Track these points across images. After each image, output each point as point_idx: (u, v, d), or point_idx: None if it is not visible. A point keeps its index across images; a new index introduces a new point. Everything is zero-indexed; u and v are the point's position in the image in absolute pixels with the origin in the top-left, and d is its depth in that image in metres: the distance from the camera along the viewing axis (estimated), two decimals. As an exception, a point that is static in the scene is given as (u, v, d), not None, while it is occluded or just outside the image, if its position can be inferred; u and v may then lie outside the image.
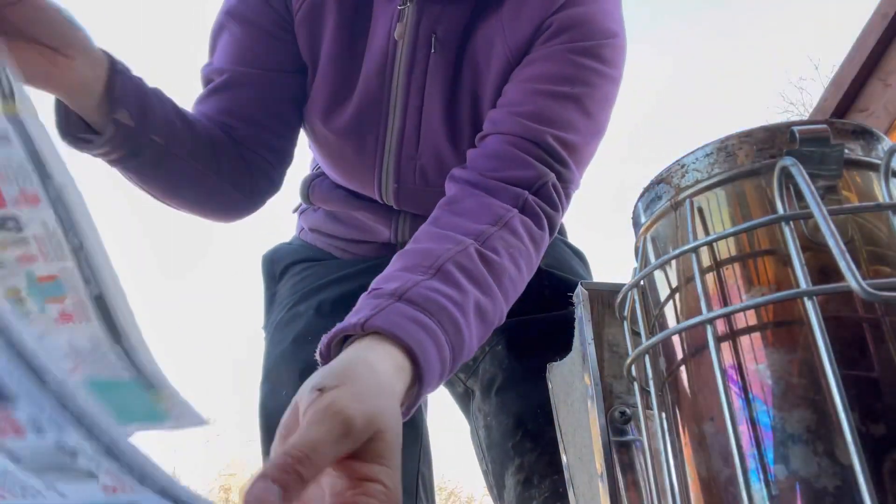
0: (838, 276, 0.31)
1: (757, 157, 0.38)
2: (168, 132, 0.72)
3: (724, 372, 0.35)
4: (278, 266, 1.04)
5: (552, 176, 0.72)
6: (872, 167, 0.38)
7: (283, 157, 0.91)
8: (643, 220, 0.45)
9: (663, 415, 0.41)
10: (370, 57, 0.84)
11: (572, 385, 0.58)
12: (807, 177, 0.34)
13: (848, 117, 0.95)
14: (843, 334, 0.33)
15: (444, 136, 0.85)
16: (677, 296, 0.40)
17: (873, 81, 0.94)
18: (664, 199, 0.42)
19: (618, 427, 0.53)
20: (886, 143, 0.39)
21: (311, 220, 1.04)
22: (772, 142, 0.38)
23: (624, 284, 0.46)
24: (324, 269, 1.00)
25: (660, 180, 0.43)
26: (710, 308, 0.36)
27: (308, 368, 0.88)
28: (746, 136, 0.39)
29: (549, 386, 0.61)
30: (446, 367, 0.54)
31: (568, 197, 0.75)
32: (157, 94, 0.73)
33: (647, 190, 0.44)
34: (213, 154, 0.80)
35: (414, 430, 0.93)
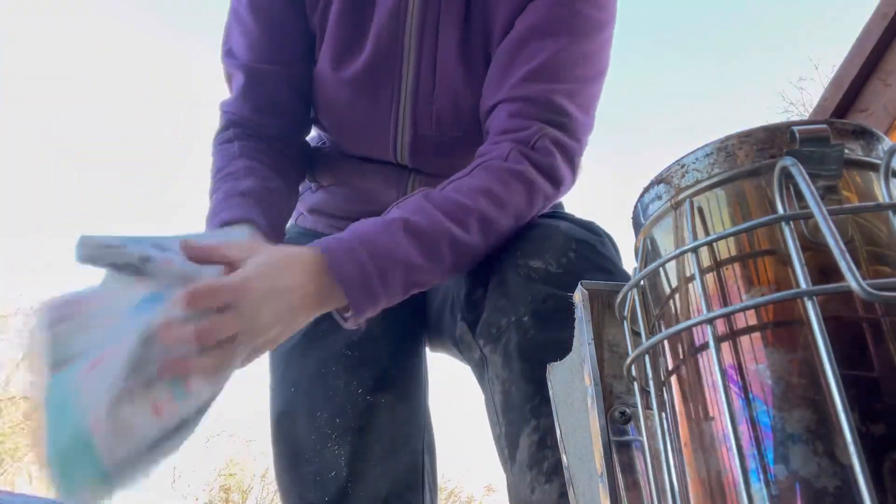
0: (838, 276, 0.31)
1: (757, 157, 0.38)
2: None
3: (724, 372, 0.35)
4: None
5: (549, 129, 0.77)
6: (873, 167, 0.38)
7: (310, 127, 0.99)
8: (643, 220, 0.45)
9: (663, 415, 0.40)
10: (382, 2, 0.85)
11: (572, 385, 0.58)
12: (806, 177, 0.34)
13: (848, 117, 0.95)
14: (843, 334, 0.33)
15: (459, 77, 0.87)
16: (677, 296, 0.40)
17: (873, 81, 0.94)
18: (664, 198, 0.42)
19: (618, 427, 0.53)
20: (886, 143, 0.39)
21: (310, 201, 1.03)
22: (772, 142, 0.38)
23: (624, 284, 0.46)
24: None
25: (659, 180, 0.43)
26: (710, 308, 0.36)
27: (323, 363, 0.89)
28: (746, 136, 0.39)
29: (549, 385, 0.61)
30: (366, 267, 0.66)
31: (578, 140, 0.80)
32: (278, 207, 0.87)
33: (646, 190, 0.44)
34: (292, 186, 0.94)
35: (417, 419, 0.92)
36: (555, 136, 0.77)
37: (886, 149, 0.38)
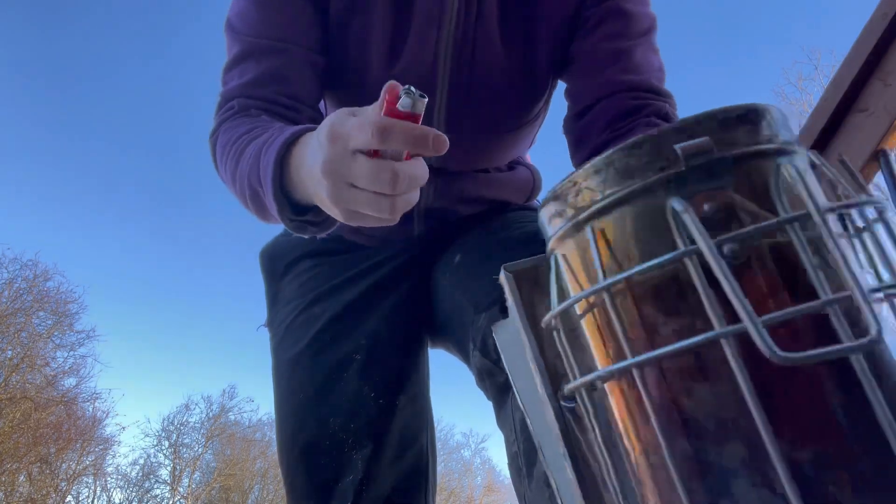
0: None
1: (647, 170, 0.35)
2: None
3: (653, 409, 0.35)
4: (279, 263, 1.01)
5: (665, 105, 0.87)
6: (766, 155, 0.35)
7: None
8: (549, 232, 0.43)
9: (605, 451, 0.40)
10: (420, 10, 0.85)
11: (517, 356, 0.54)
12: (695, 218, 0.32)
13: (848, 117, 0.94)
14: (765, 364, 0.32)
15: (497, 77, 0.89)
16: (598, 332, 0.39)
17: (873, 81, 0.93)
18: (564, 217, 0.40)
19: (570, 407, 0.50)
20: (775, 118, 0.37)
21: None
22: (658, 152, 0.35)
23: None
24: (332, 267, 0.97)
25: (555, 196, 0.40)
26: (632, 348, 0.35)
27: (332, 368, 0.89)
28: (631, 149, 0.36)
29: (497, 345, 0.55)
30: None
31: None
32: None
33: (544, 204, 0.42)
34: None
35: (423, 416, 0.93)
36: (667, 111, 0.88)
37: (779, 140, 0.36)
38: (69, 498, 18.09)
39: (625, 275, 0.35)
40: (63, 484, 17.70)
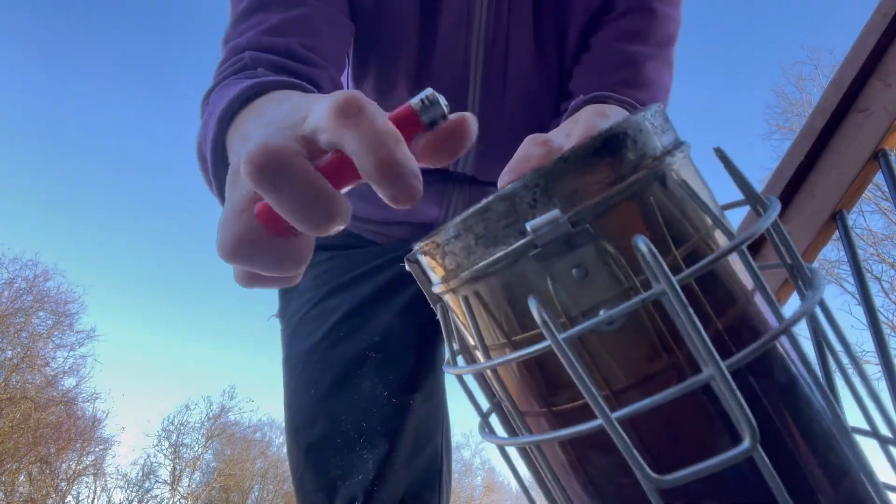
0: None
1: (505, 235, 0.32)
2: None
3: (551, 475, 0.35)
4: None
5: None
6: (633, 187, 0.31)
7: None
8: (430, 278, 0.39)
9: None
10: (447, 11, 0.80)
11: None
12: (547, 317, 0.29)
13: (847, 117, 0.92)
14: (654, 435, 0.32)
15: (530, 75, 0.83)
16: (496, 386, 0.37)
17: (873, 81, 0.90)
18: (437, 275, 0.36)
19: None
20: (643, 130, 0.32)
21: None
22: (514, 213, 0.32)
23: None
24: (349, 260, 0.94)
25: (424, 252, 0.36)
26: (526, 427, 0.35)
27: (346, 366, 0.87)
28: (485, 212, 0.32)
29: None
30: None
31: None
32: None
33: (419, 251, 0.37)
34: None
35: (439, 416, 0.90)
36: None
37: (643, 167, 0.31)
38: (69, 498, 18.15)
39: (501, 361, 0.33)
40: (63, 484, 17.76)
